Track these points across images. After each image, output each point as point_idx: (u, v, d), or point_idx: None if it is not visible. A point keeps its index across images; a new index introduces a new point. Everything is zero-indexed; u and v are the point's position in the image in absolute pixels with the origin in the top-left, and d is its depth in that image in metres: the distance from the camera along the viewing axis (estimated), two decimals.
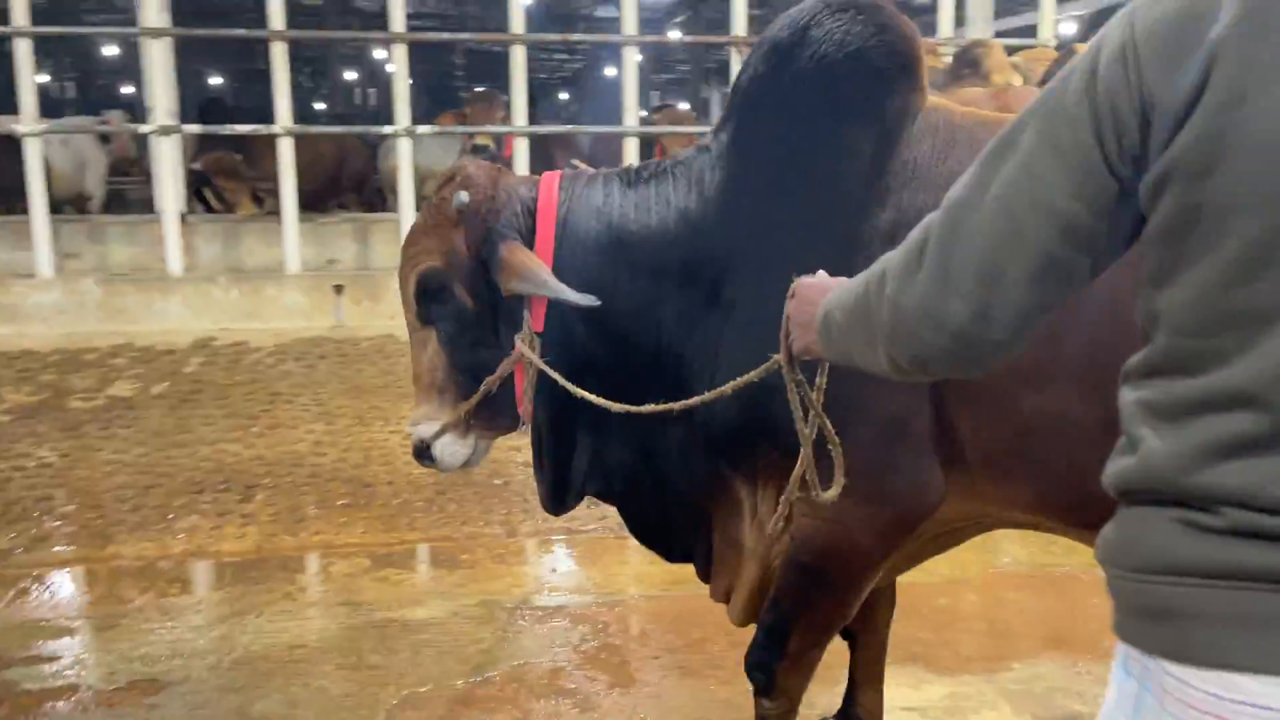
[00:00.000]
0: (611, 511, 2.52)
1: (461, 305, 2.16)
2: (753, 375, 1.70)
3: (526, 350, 2.11)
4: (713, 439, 2.07)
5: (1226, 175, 0.86)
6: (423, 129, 7.38)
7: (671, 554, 2.39)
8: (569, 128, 10.03)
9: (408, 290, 2.22)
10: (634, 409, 1.97)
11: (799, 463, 1.69)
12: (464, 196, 2.12)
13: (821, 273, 1.41)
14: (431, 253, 2.16)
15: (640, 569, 3.96)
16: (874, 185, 1.93)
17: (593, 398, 2.01)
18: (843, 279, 1.29)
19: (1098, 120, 0.93)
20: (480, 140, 8.66)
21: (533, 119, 8.69)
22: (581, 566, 4.13)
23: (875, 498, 1.91)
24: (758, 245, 1.98)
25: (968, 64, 6.25)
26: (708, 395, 1.88)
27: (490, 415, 2.25)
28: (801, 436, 1.66)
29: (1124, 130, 0.92)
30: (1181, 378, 0.92)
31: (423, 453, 2.26)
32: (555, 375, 2.07)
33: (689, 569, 2.39)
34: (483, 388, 2.17)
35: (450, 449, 2.24)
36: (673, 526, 2.30)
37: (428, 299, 2.18)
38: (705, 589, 2.36)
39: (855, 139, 1.94)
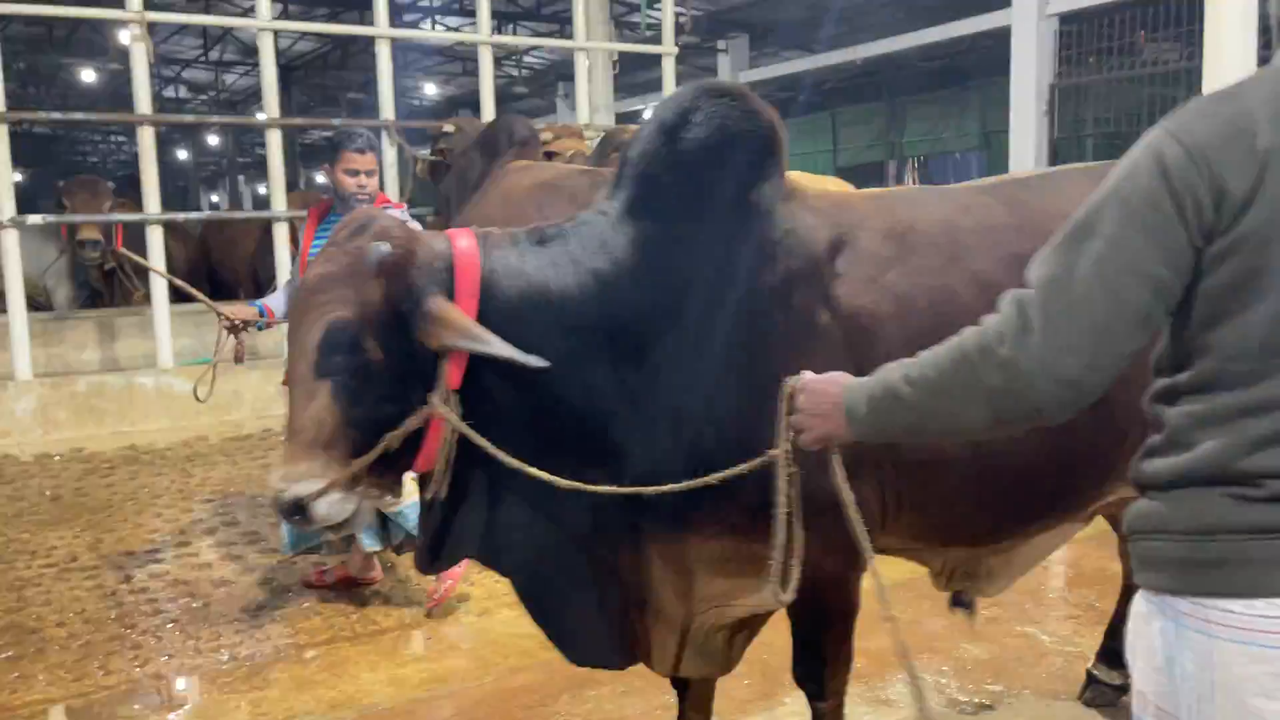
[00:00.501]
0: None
1: (368, 359, 2.08)
2: (745, 468, 1.83)
3: (443, 408, 2.06)
4: (650, 507, 2.09)
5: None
6: (32, 218, 6.57)
7: (574, 638, 2.37)
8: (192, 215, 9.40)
9: (308, 339, 2.09)
10: (588, 488, 2.00)
11: (777, 552, 1.82)
12: (384, 248, 2.06)
13: (809, 373, 1.67)
14: (343, 302, 2.07)
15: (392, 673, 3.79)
16: (760, 251, 2.18)
17: (538, 472, 2.00)
18: (844, 375, 1.60)
19: (1180, 206, 1.24)
20: (86, 234, 7.89)
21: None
22: (327, 677, 3.83)
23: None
24: (671, 305, 2.14)
25: (613, 147, 6.74)
26: (685, 485, 1.96)
27: (382, 473, 2.16)
28: (780, 525, 1.80)
29: (1201, 213, 1.24)
30: (1231, 392, 1.26)
31: (294, 510, 2.10)
32: (478, 439, 2.04)
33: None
34: (383, 443, 2.07)
35: (335, 505, 2.11)
36: (574, 602, 2.30)
37: (331, 350, 2.07)
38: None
39: (735, 210, 2.19)
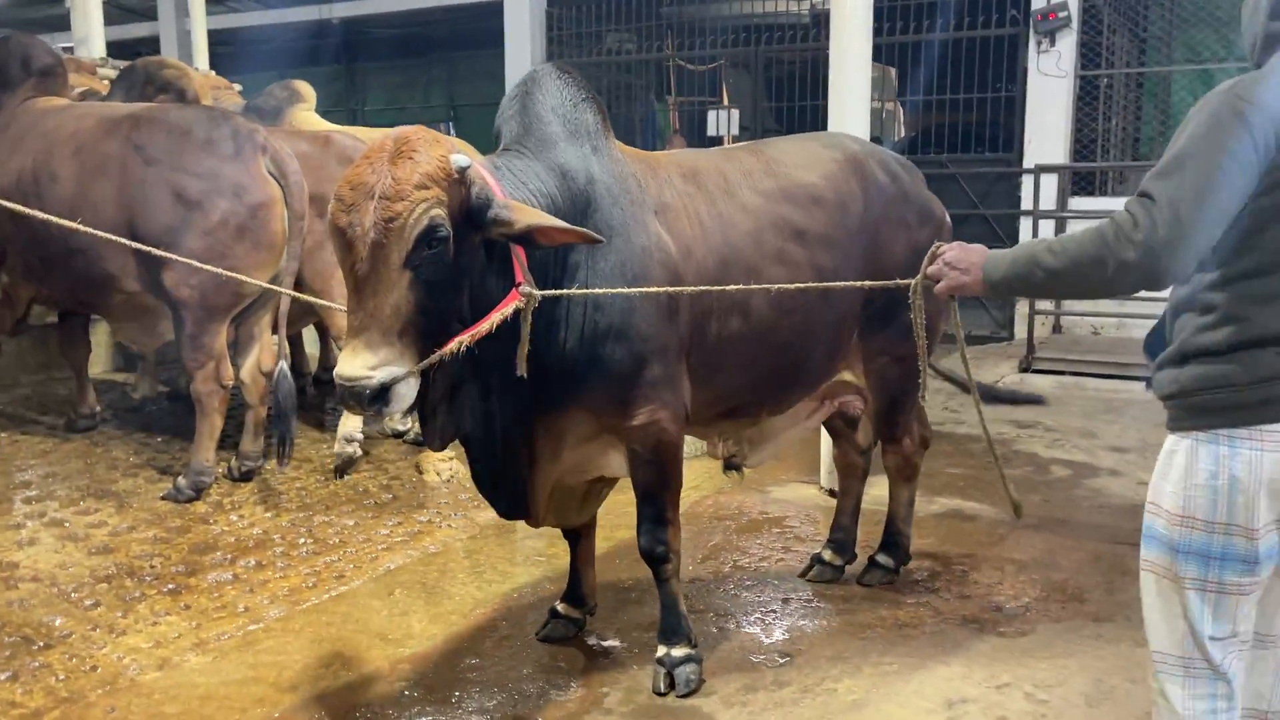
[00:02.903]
0: None
1: (447, 253, 2.42)
2: (877, 285, 2.91)
3: (534, 291, 2.57)
4: (547, 388, 2.76)
5: None
6: None
7: (504, 495, 2.98)
8: None
9: (392, 235, 2.34)
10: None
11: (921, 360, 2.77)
12: (465, 160, 2.43)
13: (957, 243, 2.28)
14: (440, 204, 2.40)
15: None
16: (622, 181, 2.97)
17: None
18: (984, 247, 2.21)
19: (1254, 141, 1.76)
20: None
21: None
22: None
23: (674, 404, 2.96)
24: (578, 215, 2.81)
25: (158, 86, 5.98)
26: (840, 284, 3.16)
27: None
28: (920, 349, 2.69)
29: (1267, 148, 1.76)
30: (1275, 276, 1.80)
31: (377, 397, 2.35)
32: (568, 293, 2.73)
33: None
34: (485, 324, 2.49)
35: (411, 393, 2.42)
36: (500, 467, 2.89)
37: (423, 244, 2.37)
38: None
39: (595, 151, 2.92)
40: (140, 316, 4.94)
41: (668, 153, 3.36)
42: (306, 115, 6.35)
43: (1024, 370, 7.63)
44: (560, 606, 3.43)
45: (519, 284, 2.56)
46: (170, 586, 3.78)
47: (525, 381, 2.62)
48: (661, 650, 3.09)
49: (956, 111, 9.23)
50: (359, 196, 2.37)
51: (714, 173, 3.20)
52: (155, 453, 5.40)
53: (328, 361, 7.11)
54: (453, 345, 2.44)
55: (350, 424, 5.17)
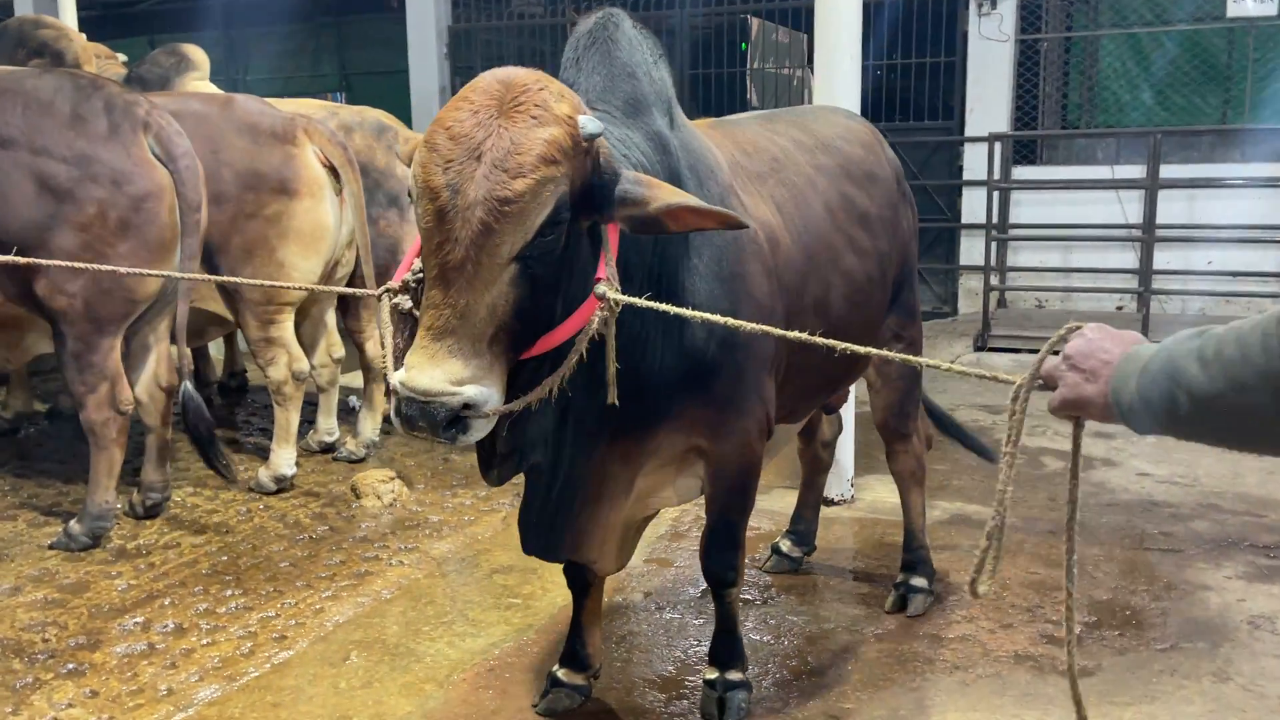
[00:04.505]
0: None
1: (558, 241, 1.90)
2: (971, 371, 1.65)
3: (615, 296, 1.96)
4: (657, 388, 2.30)
5: None
6: None
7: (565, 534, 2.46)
8: None
9: (527, 219, 1.83)
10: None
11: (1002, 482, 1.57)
12: (596, 125, 1.91)
13: (1096, 325, 1.45)
14: (564, 178, 1.86)
15: None
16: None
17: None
18: (1136, 336, 1.40)
19: None
20: None
21: None
22: None
23: (764, 420, 2.57)
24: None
25: (31, 50, 5.14)
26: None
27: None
28: (1005, 460, 1.54)
29: None
30: None
31: (454, 421, 1.81)
32: (663, 307, 1.92)
33: None
34: (578, 341, 1.96)
35: (492, 422, 1.90)
36: (549, 494, 2.38)
37: (546, 228, 1.86)
38: None
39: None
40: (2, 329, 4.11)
41: (704, 122, 2.84)
42: (199, 85, 5.54)
43: (979, 349, 7.32)
44: (561, 672, 2.87)
45: (598, 281, 1.98)
46: (70, 666, 3.08)
47: (604, 400, 2.14)
48: (713, 674, 2.79)
49: (894, 77, 8.84)
50: (463, 155, 1.81)
51: (771, 148, 2.82)
52: (37, 488, 4.60)
53: (234, 365, 6.34)
54: (557, 376, 1.96)
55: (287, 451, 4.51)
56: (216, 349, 6.29)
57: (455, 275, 1.83)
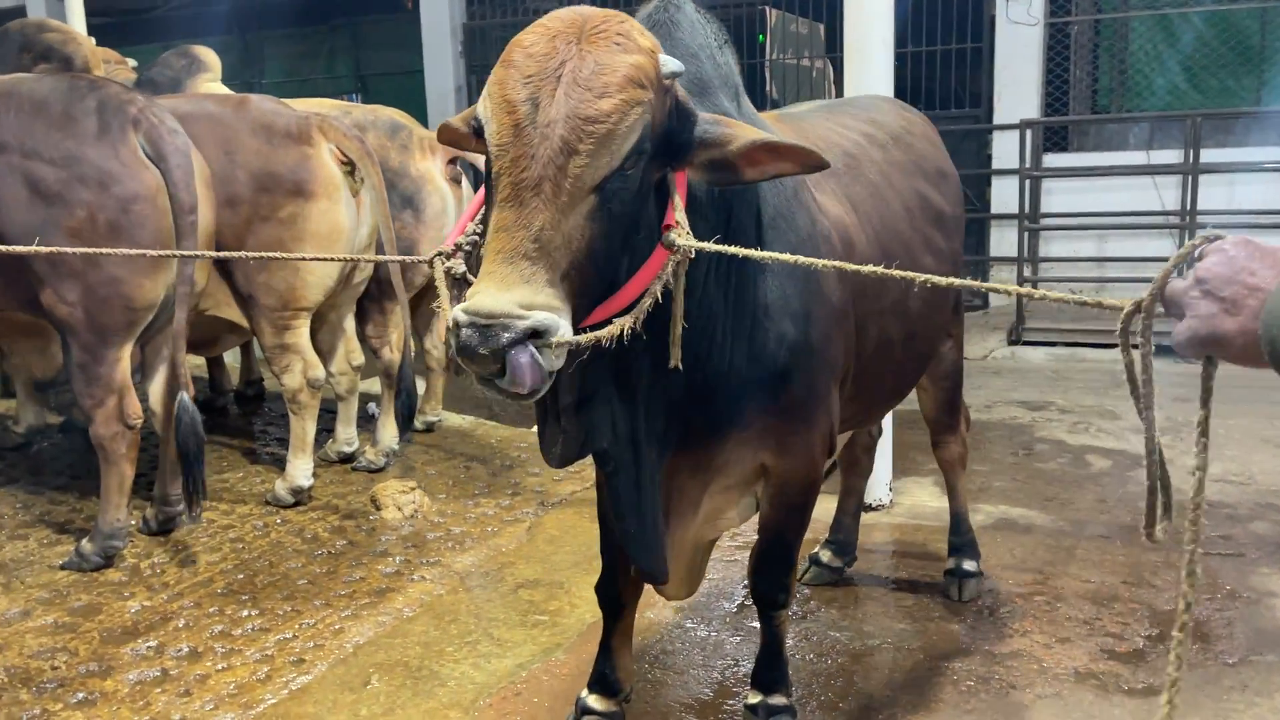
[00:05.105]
0: None
1: (637, 175, 1.76)
2: (1084, 301, 1.37)
3: (688, 242, 1.79)
4: (710, 401, 2.13)
5: None
6: None
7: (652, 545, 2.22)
8: None
9: (614, 144, 1.69)
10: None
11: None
12: (675, 63, 1.80)
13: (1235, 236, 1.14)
14: (649, 106, 1.73)
15: None
16: None
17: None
18: None
19: None
20: None
21: None
22: None
23: (829, 434, 2.39)
24: None
25: (37, 54, 5.01)
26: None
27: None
28: (1141, 415, 1.30)
29: None
30: None
31: (516, 346, 1.57)
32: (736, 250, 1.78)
33: None
34: (652, 288, 1.79)
35: (560, 360, 1.66)
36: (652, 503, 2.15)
37: (629, 158, 1.72)
38: None
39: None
40: (30, 337, 3.97)
41: (769, 114, 2.69)
42: (211, 87, 5.41)
43: (1014, 343, 7.10)
44: (591, 698, 2.71)
45: (667, 228, 1.81)
46: (80, 695, 2.95)
47: (670, 396, 2.04)
48: (756, 698, 2.64)
49: (919, 65, 8.62)
50: (543, 72, 1.68)
51: (843, 142, 2.68)
52: (49, 505, 4.47)
53: (251, 374, 6.22)
54: (630, 318, 1.74)
55: (306, 461, 4.36)
56: (233, 356, 6.17)
57: (531, 196, 1.66)
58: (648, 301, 1.78)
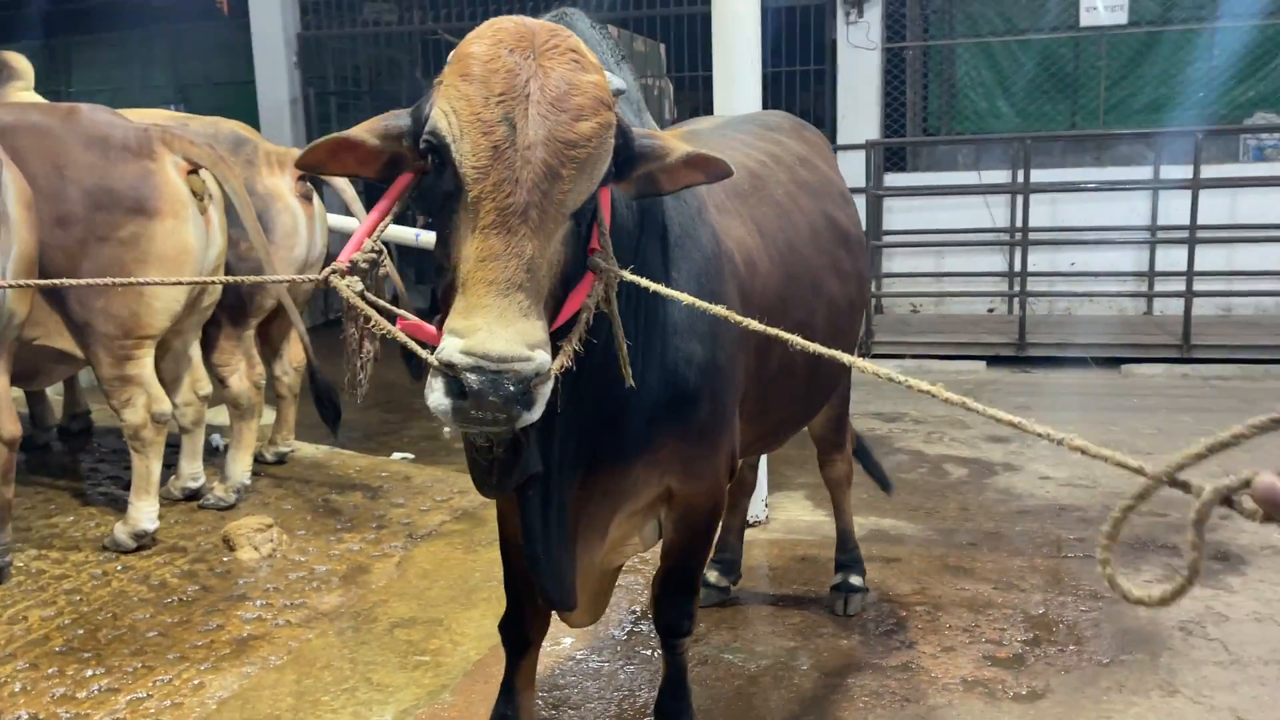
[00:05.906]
0: None
1: (595, 197, 1.70)
2: (1114, 456, 1.21)
3: (612, 268, 1.73)
4: (634, 413, 2.05)
5: None
6: None
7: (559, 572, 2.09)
8: None
9: (592, 167, 1.63)
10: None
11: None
12: (618, 80, 1.75)
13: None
14: (612, 128, 1.67)
15: None
16: None
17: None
18: None
19: None
20: None
21: None
22: None
23: (732, 455, 2.35)
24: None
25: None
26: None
27: None
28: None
29: None
30: None
31: (518, 398, 1.49)
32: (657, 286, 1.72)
33: None
34: (583, 312, 1.70)
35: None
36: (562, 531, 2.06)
37: (604, 180, 1.68)
38: None
39: None
40: None
41: (673, 130, 2.66)
42: (23, 96, 4.96)
43: (863, 355, 7.33)
44: None
45: (592, 252, 1.74)
46: None
47: (581, 419, 1.96)
48: None
49: (765, 88, 8.79)
50: (511, 88, 1.58)
51: (749, 161, 2.63)
52: None
53: (76, 407, 5.73)
54: (570, 342, 1.67)
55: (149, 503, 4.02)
56: (55, 389, 5.66)
57: (519, 223, 1.56)
58: (584, 319, 1.70)
